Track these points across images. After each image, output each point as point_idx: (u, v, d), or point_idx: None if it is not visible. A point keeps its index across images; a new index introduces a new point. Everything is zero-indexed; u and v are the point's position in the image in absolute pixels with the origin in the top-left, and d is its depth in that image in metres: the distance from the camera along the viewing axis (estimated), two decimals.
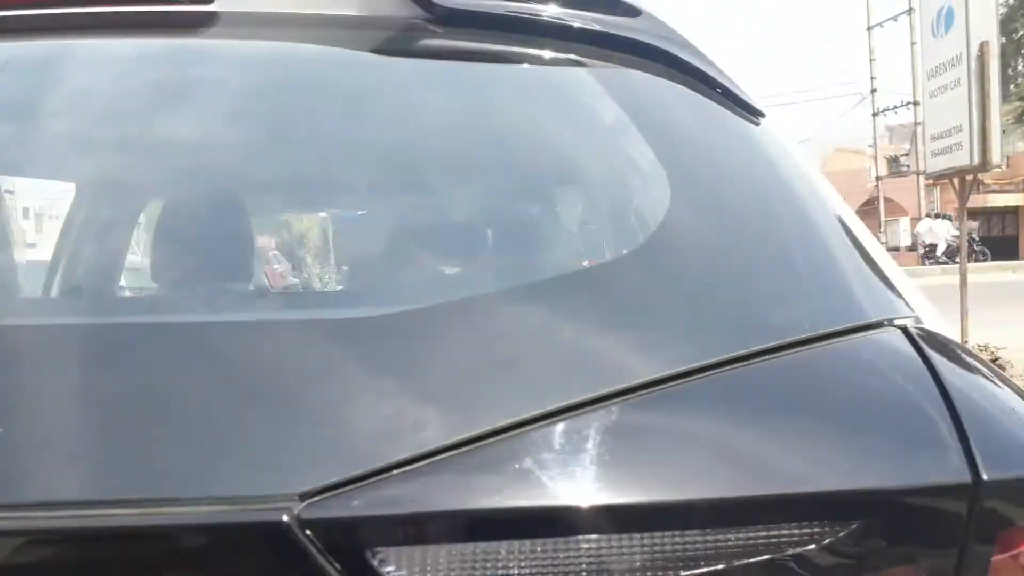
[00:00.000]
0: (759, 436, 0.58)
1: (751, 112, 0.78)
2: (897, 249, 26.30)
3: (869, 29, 24.51)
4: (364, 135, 0.87)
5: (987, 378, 0.65)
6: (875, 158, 26.00)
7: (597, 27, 0.79)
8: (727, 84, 0.78)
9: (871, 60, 24.69)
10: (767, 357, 0.61)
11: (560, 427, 0.56)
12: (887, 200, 26.27)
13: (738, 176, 0.75)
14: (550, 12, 0.79)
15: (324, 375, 0.62)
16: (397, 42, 0.84)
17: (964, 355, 0.67)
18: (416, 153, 0.86)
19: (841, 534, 0.54)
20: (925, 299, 0.74)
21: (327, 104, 0.87)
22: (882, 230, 25.26)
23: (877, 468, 0.56)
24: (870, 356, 0.64)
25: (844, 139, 35.18)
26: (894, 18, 21.90)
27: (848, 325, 0.64)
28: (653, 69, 0.78)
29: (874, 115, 25.27)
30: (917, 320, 0.67)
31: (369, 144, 0.88)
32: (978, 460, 0.56)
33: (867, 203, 28.52)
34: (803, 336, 0.62)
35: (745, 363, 0.61)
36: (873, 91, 25.02)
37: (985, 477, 0.55)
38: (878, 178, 25.49)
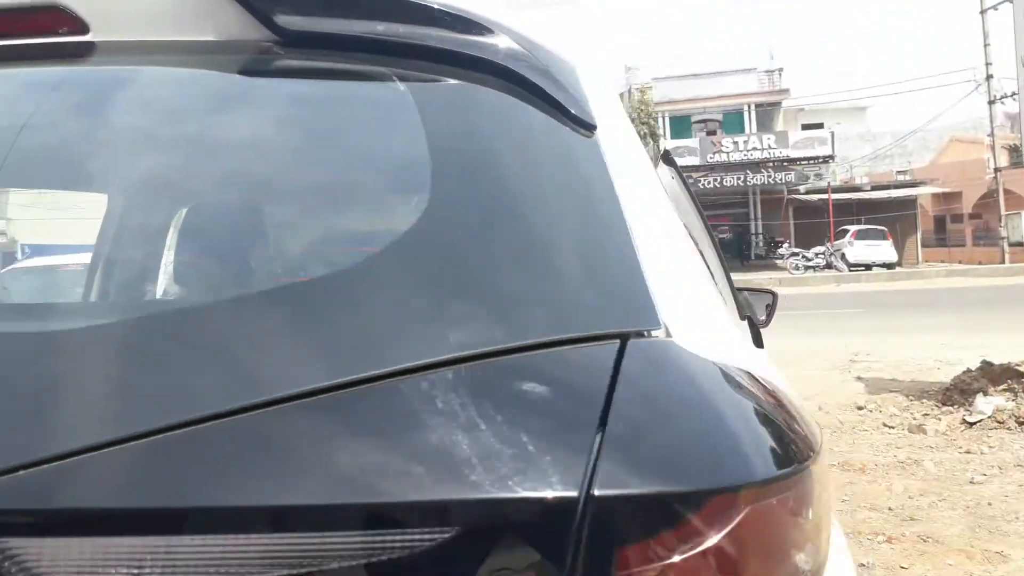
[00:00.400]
0: (391, 445, 0.58)
1: (583, 126, 0.81)
2: (1021, 244, 24.59)
3: (983, 12, 23.16)
4: (218, 149, 0.94)
5: (682, 395, 0.63)
6: (992, 148, 24.45)
7: (442, 45, 0.83)
8: (561, 98, 0.82)
9: (985, 45, 23.32)
10: (472, 363, 0.61)
11: (206, 431, 0.58)
12: (1007, 192, 24.63)
13: (536, 186, 0.77)
14: (394, 32, 0.83)
15: None
16: (250, 64, 0.90)
17: (683, 370, 0.65)
18: (260, 168, 0.92)
19: (437, 542, 0.54)
20: (700, 310, 0.76)
21: (185, 121, 0.95)
22: (1002, 224, 23.73)
23: (489, 479, 0.55)
24: (566, 368, 0.63)
25: (960, 128, 33.22)
26: None
27: (571, 335, 0.64)
28: (491, 84, 0.83)
29: (990, 103, 23.84)
30: (667, 332, 0.66)
31: (222, 159, 0.95)
32: (596, 476, 0.55)
33: (986, 196, 26.74)
34: (514, 344, 0.63)
35: (442, 368, 0.61)
36: (989, 77, 23.62)
37: (596, 493, 0.55)
38: (996, 169, 23.97)
